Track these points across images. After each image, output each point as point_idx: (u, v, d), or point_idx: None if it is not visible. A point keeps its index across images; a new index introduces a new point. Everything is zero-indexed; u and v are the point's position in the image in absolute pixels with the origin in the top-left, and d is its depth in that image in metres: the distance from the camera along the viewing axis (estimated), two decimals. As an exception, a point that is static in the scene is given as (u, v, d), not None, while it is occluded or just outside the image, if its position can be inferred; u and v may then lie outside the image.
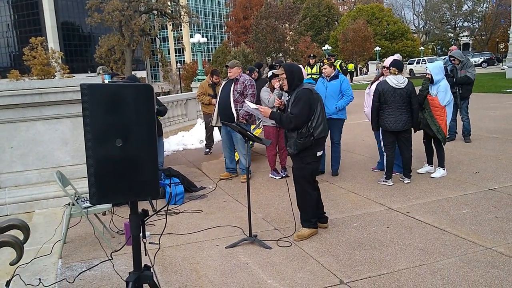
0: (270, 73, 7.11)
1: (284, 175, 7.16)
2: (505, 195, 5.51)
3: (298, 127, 4.39)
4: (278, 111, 4.68)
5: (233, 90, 7.05)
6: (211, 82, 9.54)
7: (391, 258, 4.02)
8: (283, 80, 4.55)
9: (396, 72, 6.15)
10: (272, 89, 6.97)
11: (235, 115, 6.99)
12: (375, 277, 3.69)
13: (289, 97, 4.61)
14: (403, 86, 6.05)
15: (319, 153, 4.56)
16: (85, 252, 4.63)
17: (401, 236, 4.50)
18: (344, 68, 15.87)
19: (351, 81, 41.40)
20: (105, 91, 2.13)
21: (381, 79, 6.72)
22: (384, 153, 6.47)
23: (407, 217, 5.03)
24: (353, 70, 44.40)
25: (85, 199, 4.81)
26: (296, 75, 4.53)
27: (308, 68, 13.29)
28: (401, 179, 6.40)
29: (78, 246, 4.82)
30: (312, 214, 4.68)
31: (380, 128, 6.43)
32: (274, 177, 7.17)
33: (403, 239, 4.41)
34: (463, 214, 4.98)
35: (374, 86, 6.76)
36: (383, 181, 6.37)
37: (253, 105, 4.75)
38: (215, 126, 7.85)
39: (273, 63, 11.17)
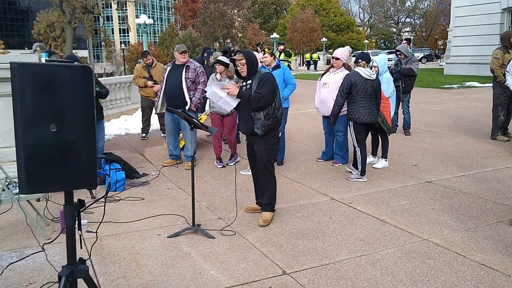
0: (220, 59, 6.91)
1: (235, 161, 7.14)
2: (441, 187, 5.73)
3: (263, 108, 4.51)
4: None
5: (185, 78, 6.82)
6: (145, 65, 9.34)
7: (333, 248, 4.06)
8: (242, 65, 4.60)
9: (366, 65, 6.11)
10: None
11: (188, 103, 6.79)
12: (317, 267, 3.72)
13: (245, 83, 4.67)
14: (374, 78, 5.99)
15: (279, 134, 4.84)
16: (16, 241, 4.35)
17: (343, 226, 4.57)
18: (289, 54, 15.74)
19: (315, 70, 42.03)
20: (38, 71, 1.93)
21: (331, 70, 6.75)
22: (358, 149, 6.11)
23: (349, 207, 5.12)
24: (317, 59, 45.17)
25: (17, 184, 4.51)
26: (254, 61, 4.65)
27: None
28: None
29: (8, 234, 4.53)
30: (274, 197, 4.80)
31: (350, 122, 6.12)
32: (218, 165, 7.09)
33: (345, 230, 4.48)
34: (402, 205, 5.13)
35: (324, 77, 6.78)
36: (357, 178, 6.11)
37: (216, 87, 4.64)
38: (159, 113, 7.61)
39: (221, 49, 10.99)
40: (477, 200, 5.20)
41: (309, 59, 45.16)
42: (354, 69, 6.11)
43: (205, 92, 6.89)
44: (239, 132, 6.39)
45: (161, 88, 7.06)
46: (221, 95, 4.56)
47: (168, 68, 7.06)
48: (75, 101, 1.97)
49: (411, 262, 3.75)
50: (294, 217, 4.86)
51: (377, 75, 6.41)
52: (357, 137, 6.09)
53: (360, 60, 6.12)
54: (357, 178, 6.12)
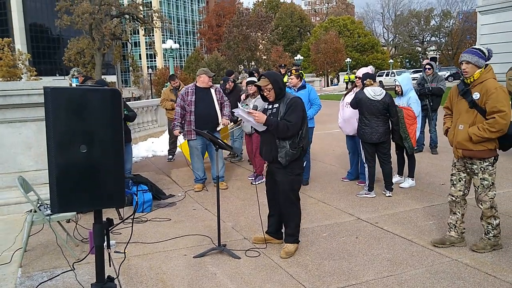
0: (248, 80, 7.08)
1: (260, 181, 7.04)
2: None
3: (292, 136, 4.19)
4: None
5: (217, 100, 6.96)
6: (172, 88, 9.55)
7: (360, 269, 4.02)
8: (268, 91, 4.28)
9: (372, 83, 6.16)
10: (246, 96, 6.97)
11: (220, 124, 6.96)
12: (343, 288, 3.69)
13: (271, 106, 4.39)
14: (379, 99, 6.02)
15: (304, 163, 4.50)
16: (46, 261, 4.46)
17: (369, 246, 4.52)
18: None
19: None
20: (69, 95, 2.03)
21: (354, 89, 6.78)
22: (365, 165, 6.31)
23: (376, 227, 5.06)
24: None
25: (48, 205, 4.65)
26: (281, 83, 4.32)
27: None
28: (383, 192, 6.32)
29: (39, 254, 4.65)
30: (298, 228, 4.51)
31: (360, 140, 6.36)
32: (258, 182, 7.02)
33: (372, 250, 4.43)
34: (430, 225, 5.04)
35: (348, 97, 6.80)
36: (365, 194, 6.25)
37: (244, 111, 4.33)
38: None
39: (251, 70, 11.12)
40: (507, 220, 5.08)
41: (347, 80, 45.21)
42: (360, 88, 6.31)
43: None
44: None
45: (191, 112, 6.83)
46: (248, 119, 4.26)
47: (193, 91, 6.89)
48: (104, 123, 2.07)
49: (440, 283, 3.67)
50: (320, 237, 4.83)
51: (402, 94, 6.40)
52: (365, 154, 6.33)
53: (365, 80, 6.24)
54: (365, 194, 6.26)
